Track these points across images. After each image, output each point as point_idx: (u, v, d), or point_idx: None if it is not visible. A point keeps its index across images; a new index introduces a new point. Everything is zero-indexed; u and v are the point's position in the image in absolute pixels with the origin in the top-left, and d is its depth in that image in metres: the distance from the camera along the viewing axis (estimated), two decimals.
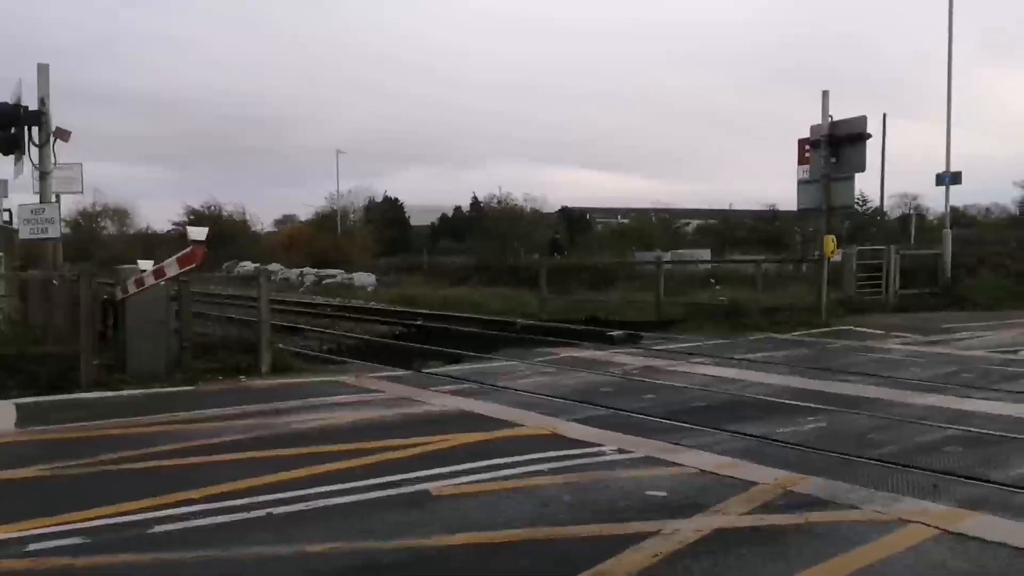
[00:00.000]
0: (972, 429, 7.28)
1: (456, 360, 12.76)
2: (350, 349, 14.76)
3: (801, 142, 17.12)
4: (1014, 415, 7.84)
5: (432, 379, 10.68)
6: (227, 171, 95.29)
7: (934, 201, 49.56)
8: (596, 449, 6.81)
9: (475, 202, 60.05)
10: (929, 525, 4.87)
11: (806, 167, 16.94)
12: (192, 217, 61.99)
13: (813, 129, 16.33)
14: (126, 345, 10.39)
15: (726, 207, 64.24)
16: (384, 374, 11.02)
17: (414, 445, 6.98)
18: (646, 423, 7.85)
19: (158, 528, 4.96)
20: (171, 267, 10.28)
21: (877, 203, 43.80)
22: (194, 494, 5.56)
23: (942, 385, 9.49)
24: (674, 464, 6.35)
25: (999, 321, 16.30)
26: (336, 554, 4.54)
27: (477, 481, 5.95)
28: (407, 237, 61.79)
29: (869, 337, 14.34)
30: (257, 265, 47.88)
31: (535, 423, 7.82)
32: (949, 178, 20.31)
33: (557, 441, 7.14)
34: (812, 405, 8.47)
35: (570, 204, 61.26)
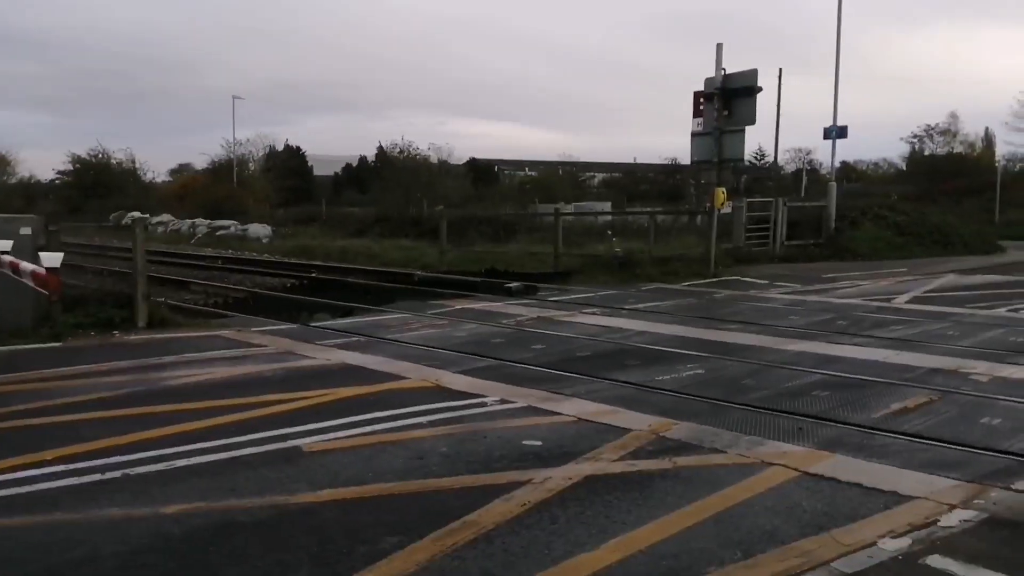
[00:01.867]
0: (839, 374, 7.57)
1: (347, 313, 12.54)
2: (237, 303, 14.33)
3: (696, 95, 17.33)
4: (879, 360, 8.19)
5: (319, 332, 10.46)
6: (118, 117, 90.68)
7: (827, 156, 51.36)
8: (478, 400, 6.79)
9: (380, 152, 58.91)
10: (789, 467, 5.03)
11: (701, 120, 17.18)
12: (77, 165, 58.97)
13: (707, 82, 16.53)
14: None
15: (631, 160, 65.09)
16: (269, 328, 10.73)
17: (291, 400, 6.81)
18: (532, 373, 7.88)
19: (1, 492, 4.68)
20: (26, 274, 9.59)
21: (774, 157, 45.01)
22: (47, 455, 5.28)
23: (816, 332, 9.85)
24: (553, 413, 6.38)
25: (877, 271, 17.02)
26: (193, 514, 4.38)
27: (353, 436, 5.83)
28: (309, 187, 60.34)
29: (754, 287, 14.77)
30: (146, 216, 46.12)
31: (419, 376, 7.74)
32: (836, 132, 20.94)
33: (440, 393, 7.09)
34: (693, 353, 8.66)
35: (479, 156, 60.88)
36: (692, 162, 17.91)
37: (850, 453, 5.32)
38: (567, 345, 9.33)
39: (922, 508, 4.39)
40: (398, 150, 43.66)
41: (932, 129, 50.49)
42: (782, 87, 32.58)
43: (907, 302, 12.27)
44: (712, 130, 16.22)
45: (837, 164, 58.62)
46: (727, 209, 17.46)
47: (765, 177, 45.60)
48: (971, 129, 51.64)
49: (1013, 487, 4.67)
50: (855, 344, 9.04)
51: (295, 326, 11.06)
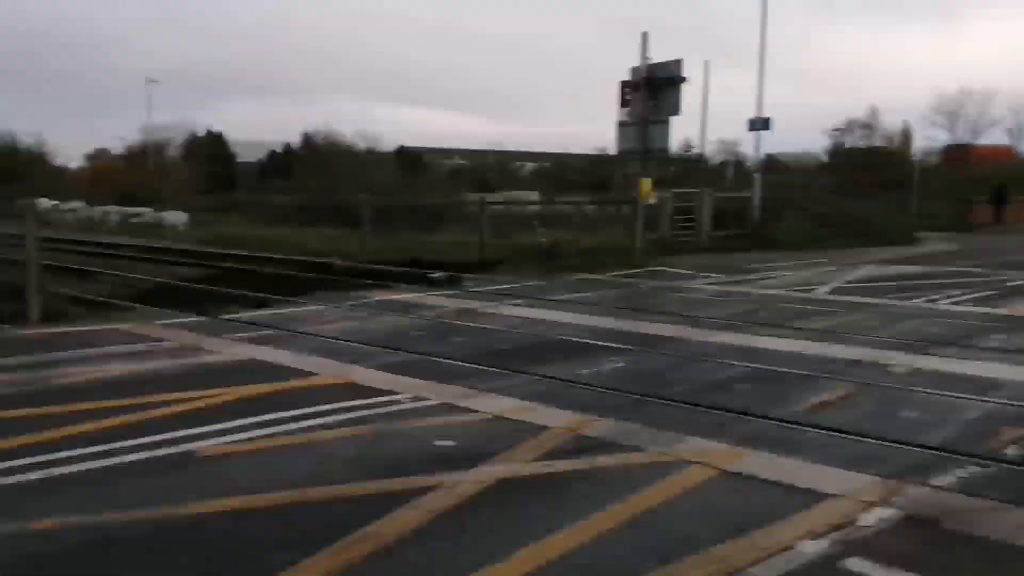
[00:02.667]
0: (761, 366, 7.49)
1: (262, 305, 12.02)
2: (144, 294, 13.61)
3: (623, 84, 17.22)
4: (801, 351, 8.15)
5: (228, 326, 9.97)
6: (30, 101, 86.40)
7: (750, 147, 52.13)
8: (391, 398, 6.47)
9: (306, 139, 57.62)
10: (709, 465, 4.87)
11: (628, 110, 17.09)
12: None
13: (633, 71, 16.43)
14: None
15: (562, 150, 65.10)
16: (174, 321, 10.19)
17: (190, 400, 6.38)
18: (450, 368, 7.59)
19: None
20: None
21: (701, 149, 45.54)
22: None
23: (739, 323, 9.80)
24: (469, 411, 6.12)
25: (799, 261, 17.22)
26: (66, 530, 3.98)
27: (253, 439, 5.47)
28: (232, 174, 58.60)
29: (679, 277, 14.76)
30: (55, 203, 44.18)
31: (331, 372, 7.38)
32: (760, 124, 21.14)
33: (351, 391, 6.74)
34: (615, 345, 8.50)
35: (409, 144, 60.00)
36: (618, 152, 17.82)
37: (770, 449, 5.19)
38: (488, 338, 9.07)
39: (841, 507, 4.26)
40: (321, 136, 42.61)
41: (853, 123, 51.69)
42: (709, 80, 32.85)
43: (828, 293, 12.37)
44: (638, 120, 16.13)
45: (763, 156, 59.80)
46: (653, 200, 17.45)
47: (693, 168, 46.07)
48: (890, 123, 52.90)
49: (931, 483, 4.59)
50: (777, 336, 9.00)
51: (203, 319, 10.53)
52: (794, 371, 7.29)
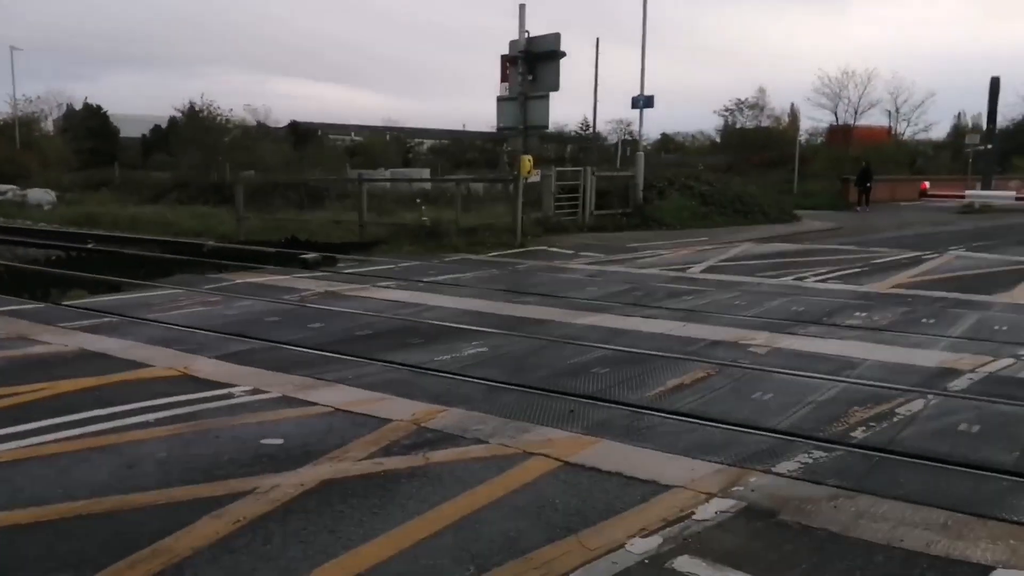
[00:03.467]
0: (624, 348, 7.31)
1: (115, 289, 11.24)
2: None
3: (503, 59, 16.85)
4: (665, 332, 8.03)
5: (68, 313, 9.21)
6: None
7: (647, 126, 52.74)
8: (226, 391, 5.99)
9: (192, 112, 55.16)
10: (551, 457, 4.62)
11: (507, 84, 16.73)
12: None
13: (511, 45, 16.08)
14: None
15: (460, 127, 64.48)
16: (7, 308, 9.36)
17: (3, 395, 5.76)
18: (299, 356, 7.14)
19: None
20: None
21: (593, 127, 45.78)
22: None
23: (610, 304, 9.65)
24: (309, 404, 5.70)
25: (680, 240, 17.32)
26: None
27: (58, 440, 4.93)
28: (114, 150, 55.58)
29: (558, 257, 14.58)
30: None
31: (166, 363, 6.82)
32: (643, 101, 21.15)
33: (185, 383, 6.23)
34: (481, 329, 8.19)
35: (303, 119, 58.13)
36: (497, 128, 17.48)
37: (617, 438, 4.98)
38: (349, 323, 8.63)
39: (679, 499, 4.07)
40: (201, 110, 40.82)
41: (742, 103, 52.91)
42: (602, 59, 32.84)
43: (702, 271, 12.39)
44: (517, 95, 15.81)
45: (657, 136, 60.56)
46: (536, 178, 17.22)
47: (589, 147, 46.28)
48: (777, 104, 54.55)
49: (774, 470, 4.46)
50: (644, 316, 8.87)
51: (42, 305, 9.73)
52: (655, 353, 7.14)
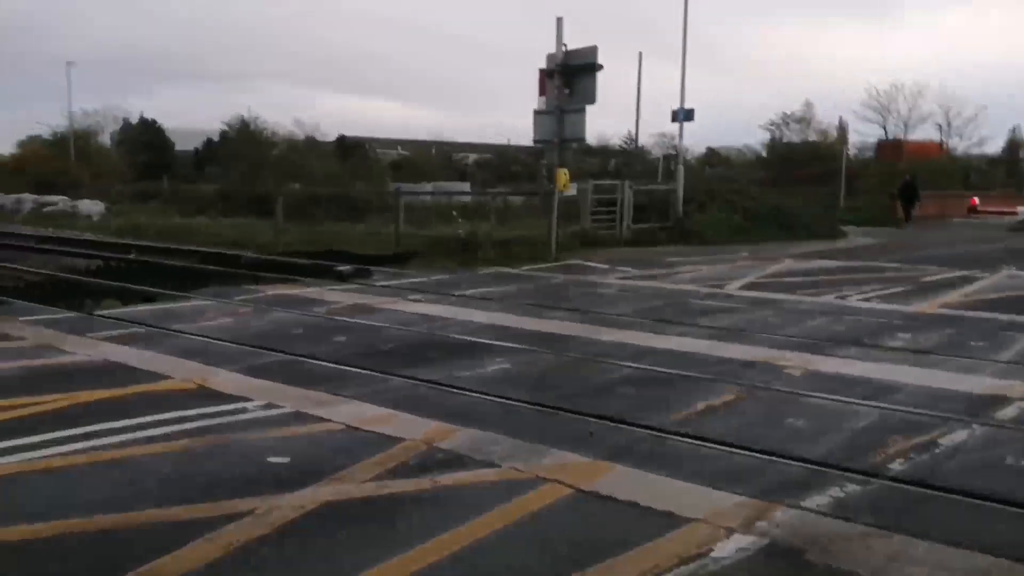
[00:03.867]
0: (652, 368, 7.05)
1: (149, 299, 11.26)
2: (25, 287, 12.72)
3: (541, 72, 16.70)
4: (697, 351, 7.74)
5: (99, 322, 9.23)
6: None
7: (693, 141, 52.21)
8: (240, 405, 5.87)
9: (241, 127, 56.10)
10: (565, 484, 4.39)
11: (544, 98, 16.57)
12: None
13: (549, 58, 15.92)
14: None
15: (505, 142, 64.56)
16: (39, 317, 9.40)
17: (15, 407, 5.72)
18: (318, 370, 7.02)
19: None
20: None
21: (642, 142, 45.54)
22: None
23: (641, 320, 9.37)
24: (322, 420, 5.56)
25: (719, 256, 16.94)
26: None
27: (64, 454, 4.84)
28: (168, 162, 56.73)
29: (592, 271, 14.33)
30: None
31: (185, 375, 6.74)
32: (683, 114, 20.83)
33: (200, 396, 6.13)
34: (506, 344, 7.99)
35: (351, 134, 58.66)
36: (535, 141, 17.31)
37: (637, 464, 4.73)
38: (373, 337, 8.50)
39: (697, 534, 3.82)
40: (246, 124, 41.42)
41: (788, 117, 52.11)
42: (643, 72, 32.43)
43: (739, 288, 12.04)
44: (553, 109, 15.62)
45: (703, 149, 59.86)
46: (572, 191, 16.99)
47: (635, 162, 46.00)
48: (824, 118, 53.49)
49: (802, 504, 4.18)
50: (677, 334, 8.59)
51: (74, 315, 9.75)
52: (685, 373, 6.87)
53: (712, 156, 61.60)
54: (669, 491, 4.33)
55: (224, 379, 6.63)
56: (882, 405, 5.98)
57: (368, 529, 3.87)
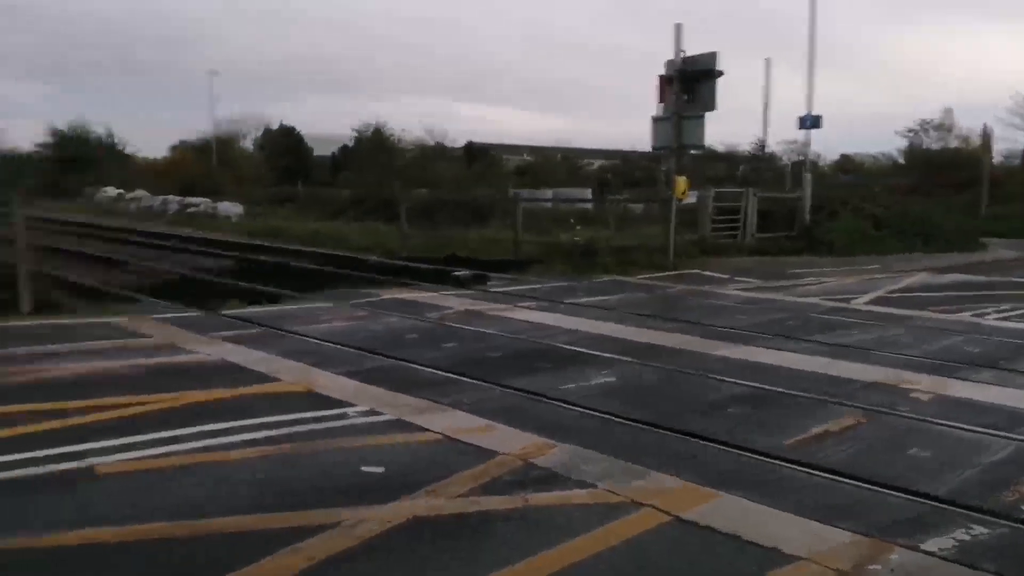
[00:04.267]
0: (764, 386, 6.70)
1: (274, 300, 11.70)
2: (162, 286, 13.43)
3: (661, 79, 16.37)
4: (815, 370, 7.32)
5: (222, 322, 9.59)
6: (112, 90, 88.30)
7: (824, 148, 50.12)
8: (341, 411, 5.93)
9: (374, 133, 57.88)
10: (660, 510, 4.18)
11: (663, 105, 16.24)
12: (56, 139, 57.89)
13: (668, 64, 15.58)
14: None
15: (629, 148, 63.97)
16: (167, 316, 9.86)
17: (132, 404, 5.95)
18: (425, 376, 7.03)
19: None
20: None
21: (772, 149, 44.15)
22: None
23: (757, 335, 8.97)
24: (420, 429, 5.53)
25: (847, 267, 16.16)
26: None
27: (167, 454, 4.98)
28: (306, 167, 59.21)
29: (711, 281, 13.90)
30: (120, 192, 45.11)
31: (294, 377, 6.88)
32: (810, 121, 20.01)
33: (306, 399, 6.23)
34: (613, 356, 7.80)
35: (478, 140, 59.48)
36: (653, 148, 16.98)
37: (742, 492, 4.46)
38: (482, 343, 8.47)
39: (803, 574, 3.54)
40: (371, 130, 42.67)
41: (927, 124, 49.32)
42: (771, 79, 31.37)
43: (867, 302, 11.38)
44: (671, 115, 15.27)
45: (836, 156, 57.41)
46: (692, 199, 16.56)
47: (765, 168, 44.67)
48: (966, 124, 50.26)
49: (922, 546, 3.82)
50: (794, 351, 8.16)
51: (200, 313, 10.19)
52: (801, 393, 6.50)
53: (846, 162, 59.06)
54: (774, 524, 4.05)
55: (331, 382, 6.73)
56: (1017, 437, 5.46)
57: (457, 546, 3.79)
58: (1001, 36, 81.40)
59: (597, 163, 62.60)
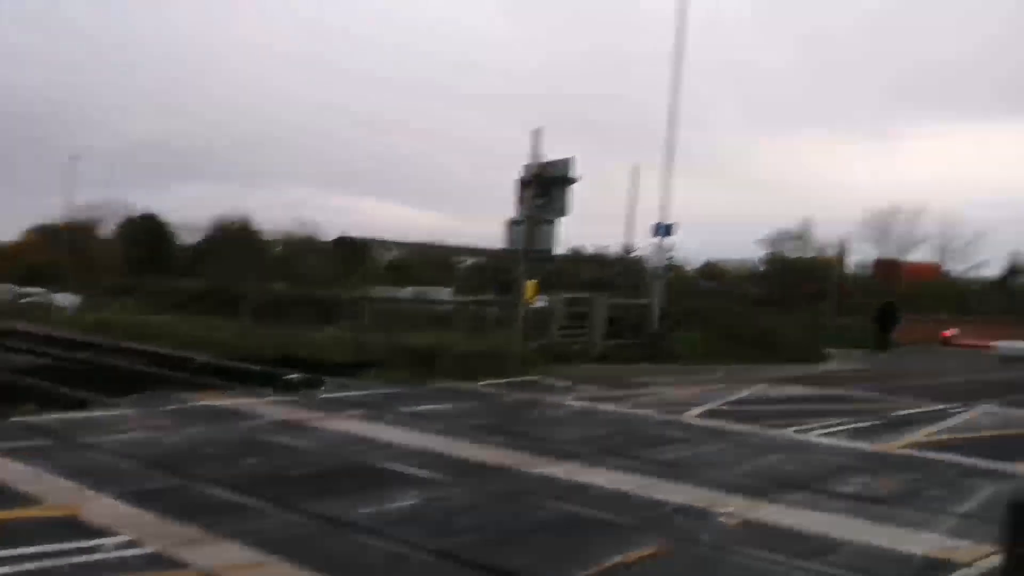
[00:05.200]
0: (575, 508, 6.45)
1: (80, 405, 10.67)
2: None
3: (518, 182, 16.56)
4: (627, 491, 7.12)
5: (8, 430, 8.63)
6: None
7: (692, 253, 51.70)
8: (98, 542, 5.25)
9: (236, 224, 56.42)
10: None
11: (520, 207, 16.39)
12: None
13: (525, 168, 15.80)
14: None
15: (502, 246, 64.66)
16: None
17: None
18: (209, 499, 6.41)
19: None
20: None
21: (641, 252, 45.40)
22: None
23: (581, 451, 8.75)
24: (180, 565, 4.94)
25: (690, 377, 16.41)
26: None
27: None
28: (167, 257, 56.79)
29: (552, 390, 13.75)
30: None
31: (63, 500, 6.14)
32: (664, 229, 20.66)
33: (63, 528, 5.52)
34: (426, 475, 7.39)
35: (354, 234, 58.82)
36: (505, 251, 17.03)
37: None
38: (287, 459, 7.89)
39: None
40: (236, 221, 41.67)
41: (784, 234, 52.25)
42: (641, 184, 32.54)
43: (698, 416, 11.44)
44: (524, 219, 15.40)
45: (702, 261, 59.73)
46: (541, 303, 16.60)
47: (631, 271, 45.92)
48: (824, 234, 53.48)
49: None
50: (613, 468, 7.95)
51: None
52: (609, 517, 6.26)
53: (710, 268, 61.53)
54: None
55: (101, 506, 6.03)
56: (814, 566, 5.37)
57: None
58: (861, 153, 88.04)
59: (469, 260, 63.07)
